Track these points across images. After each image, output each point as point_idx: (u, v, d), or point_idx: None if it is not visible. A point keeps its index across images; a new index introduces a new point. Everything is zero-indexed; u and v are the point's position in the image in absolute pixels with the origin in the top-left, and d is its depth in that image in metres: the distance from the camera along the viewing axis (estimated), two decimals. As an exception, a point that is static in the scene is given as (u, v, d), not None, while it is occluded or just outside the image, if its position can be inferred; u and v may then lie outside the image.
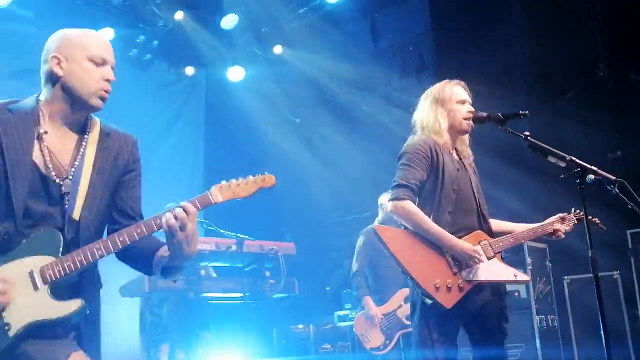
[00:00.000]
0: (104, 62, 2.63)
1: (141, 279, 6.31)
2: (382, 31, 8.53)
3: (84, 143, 2.66)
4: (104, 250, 2.49)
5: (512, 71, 7.60)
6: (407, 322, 6.05)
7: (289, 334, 7.93)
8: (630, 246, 6.58)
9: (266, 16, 8.80)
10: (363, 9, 8.58)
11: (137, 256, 2.67)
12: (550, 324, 6.56)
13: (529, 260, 6.53)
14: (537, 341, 6.32)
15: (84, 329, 2.62)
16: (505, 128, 3.82)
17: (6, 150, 2.49)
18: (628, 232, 6.58)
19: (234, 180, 2.72)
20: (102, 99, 2.63)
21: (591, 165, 3.60)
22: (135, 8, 8.25)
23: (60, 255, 2.50)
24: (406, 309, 6.07)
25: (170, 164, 9.21)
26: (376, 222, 6.34)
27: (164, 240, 2.57)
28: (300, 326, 7.93)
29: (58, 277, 2.46)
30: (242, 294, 6.64)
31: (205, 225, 6.97)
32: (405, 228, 3.76)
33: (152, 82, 9.33)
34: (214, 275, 7.17)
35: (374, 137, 8.37)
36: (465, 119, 3.92)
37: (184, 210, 2.48)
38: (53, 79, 2.61)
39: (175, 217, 2.46)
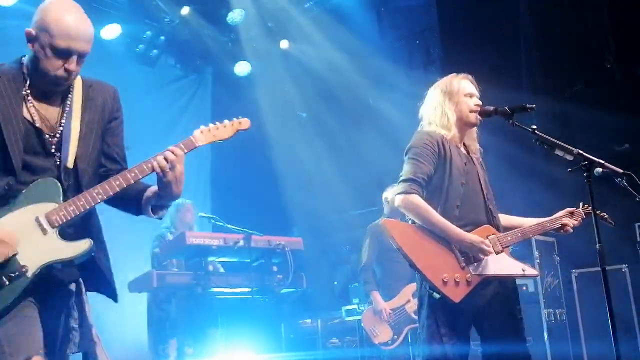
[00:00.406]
0: (68, 54, 2.67)
1: (149, 275, 6.33)
2: (389, 25, 8.51)
3: (68, 100, 2.79)
4: (103, 194, 2.68)
5: (519, 65, 7.56)
6: (416, 317, 6.05)
7: (297, 328, 7.94)
8: (638, 239, 6.56)
9: (272, 11, 8.79)
10: (369, 3, 8.57)
11: (126, 198, 2.84)
12: (559, 318, 6.56)
13: (536, 254, 6.52)
14: (546, 335, 6.32)
15: (86, 277, 2.82)
16: (513, 121, 3.81)
17: None
18: (636, 225, 6.56)
19: (212, 125, 2.98)
20: (58, 84, 2.72)
21: (599, 158, 3.59)
22: (141, 4, 8.26)
23: (61, 201, 2.66)
24: (414, 304, 6.06)
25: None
26: (383, 217, 6.34)
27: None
28: (308, 321, 7.94)
29: (64, 220, 2.63)
30: (249, 289, 6.65)
31: (213, 221, 6.99)
32: (413, 222, 3.75)
33: (159, 77, 9.34)
34: (222, 270, 7.18)
35: (380, 132, 8.36)
36: (472, 111, 3.91)
37: (173, 153, 2.75)
38: (28, 48, 2.71)
39: (166, 159, 2.73)
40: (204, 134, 2.93)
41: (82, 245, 2.66)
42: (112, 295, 2.93)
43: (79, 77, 2.84)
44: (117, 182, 2.69)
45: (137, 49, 8.90)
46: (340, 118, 9.27)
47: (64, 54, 2.66)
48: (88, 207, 2.67)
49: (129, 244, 7.81)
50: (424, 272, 3.57)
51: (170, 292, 6.71)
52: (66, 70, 2.67)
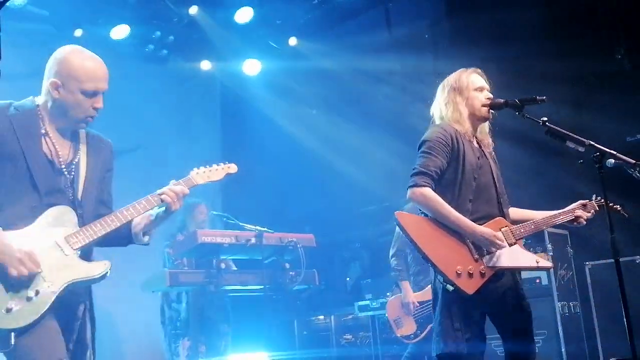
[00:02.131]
0: (95, 93, 3.03)
1: (162, 274, 6.36)
2: (397, 20, 8.48)
3: (74, 142, 3.12)
4: (116, 221, 3.00)
5: (530, 57, 7.52)
6: None
7: (309, 325, 7.95)
8: (653, 230, 6.51)
9: (280, 8, 8.78)
10: (377, -2, 8.55)
11: (121, 230, 3.09)
12: (573, 311, 6.53)
13: (549, 246, 6.50)
14: (560, 328, 6.29)
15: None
16: (523, 114, 3.81)
17: (21, 139, 2.92)
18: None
19: (204, 168, 3.39)
20: (87, 123, 3.10)
21: (610, 149, 3.57)
22: (150, 4, 8.27)
23: (77, 227, 2.95)
24: None
25: (187, 158, 9.23)
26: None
27: None
28: (321, 317, 7.95)
29: (83, 244, 2.91)
30: (262, 287, 6.66)
31: (225, 219, 7.00)
32: (426, 215, 3.75)
33: (168, 77, 9.35)
34: (234, 268, 7.21)
35: (390, 128, 8.35)
36: (484, 105, 3.91)
37: (178, 191, 3.14)
38: (51, 96, 3.01)
39: (173, 194, 3.12)
40: (200, 175, 3.35)
41: (102, 266, 2.95)
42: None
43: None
44: (129, 212, 3.03)
45: (146, 49, 8.92)
46: (350, 114, 9.26)
47: (93, 95, 3.01)
48: (104, 233, 2.96)
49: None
50: (437, 264, 3.57)
51: (182, 290, 6.73)
52: (94, 108, 3.04)
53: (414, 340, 6.17)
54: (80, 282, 2.88)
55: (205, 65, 9.60)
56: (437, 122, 3.99)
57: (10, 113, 2.95)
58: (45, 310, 2.72)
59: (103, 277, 2.94)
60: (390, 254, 6.37)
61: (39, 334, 2.72)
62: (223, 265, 6.78)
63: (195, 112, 9.97)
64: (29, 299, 2.70)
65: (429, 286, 6.07)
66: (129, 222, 3.11)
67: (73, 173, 3.05)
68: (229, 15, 8.68)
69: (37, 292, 2.73)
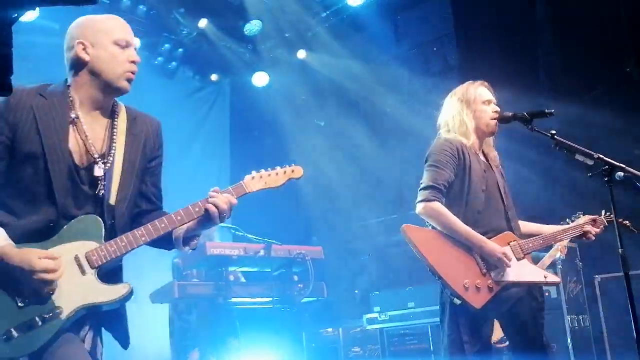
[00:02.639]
0: (127, 45, 2.72)
1: (171, 286, 6.37)
2: (405, 33, 8.51)
3: (115, 130, 2.73)
4: (147, 237, 2.61)
5: (538, 70, 7.53)
6: None
7: (318, 337, 7.93)
8: (662, 243, 6.47)
9: (289, 21, 8.82)
10: (385, 11, 8.56)
11: (160, 237, 2.70)
12: (582, 324, 6.49)
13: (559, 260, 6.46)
14: (569, 341, 6.25)
15: (104, 317, 2.68)
16: (532, 127, 3.81)
17: (43, 136, 2.54)
18: (660, 229, 6.47)
19: (263, 171, 2.92)
20: (129, 80, 2.72)
21: (619, 162, 3.57)
22: (159, 17, 8.34)
23: (102, 240, 2.57)
24: None
25: (197, 170, 9.26)
26: None
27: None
28: (330, 330, 7.92)
29: (104, 261, 2.54)
30: (270, 299, 6.66)
31: (233, 231, 7.01)
32: (433, 228, 3.75)
33: (177, 89, 9.41)
34: (243, 280, 7.21)
35: (398, 140, 8.35)
36: (491, 119, 3.91)
37: (227, 202, 2.74)
38: (80, 64, 2.68)
39: (217, 207, 2.70)
40: (255, 180, 2.90)
41: (122, 290, 2.58)
42: (125, 340, 2.82)
43: (122, 105, 2.84)
44: (162, 225, 2.64)
45: (156, 62, 8.99)
46: (358, 126, 9.27)
47: (126, 45, 2.71)
48: (130, 249, 2.59)
49: (150, 254, 7.86)
50: (444, 278, 3.56)
51: (191, 302, 6.74)
52: (132, 61, 2.71)
53: (503, 345, 5.98)
54: (94, 307, 2.52)
55: (214, 77, 9.64)
56: (444, 133, 3.99)
57: (36, 103, 2.58)
58: (46, 341, 2.41)
59: (122, 300, 2.59)
60: None
61: (58, 353, 2.44)
62: (232, 277, 6.78)
63: (205, 123, 10.02)
64: (31, 326, 2.39)
65: None
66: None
67: (104, 167, 2.63)
68: (238, 28, 8.74)
69: (43, 319, 2.41)
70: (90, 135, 2.65)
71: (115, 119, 2.75)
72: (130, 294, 2.59)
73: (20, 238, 2.48)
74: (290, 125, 9.56)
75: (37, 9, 6.73)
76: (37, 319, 2.41)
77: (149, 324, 7.93)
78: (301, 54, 9.38)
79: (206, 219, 2.73)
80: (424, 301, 6.69)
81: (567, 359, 6.23)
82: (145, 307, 7.13)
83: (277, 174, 2.94)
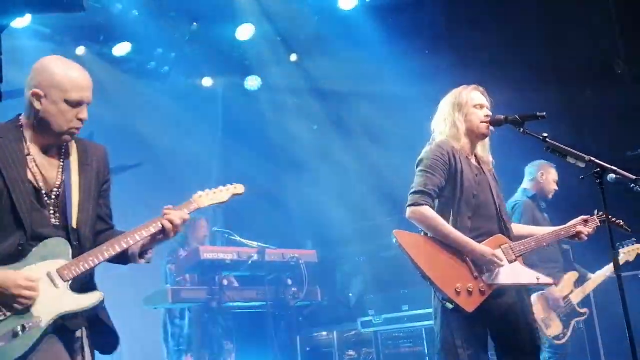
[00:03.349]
0: (79, 104, 2.85)
1: (164, 290, 6.36)
2: (397, 35, 8.51)
3: (62, 161, 2.94)
4: (111, 251, 2.87)
5: (530, 71, 7.55)
6: (581, 310, 5.95)
7: (312, 341, 7.92)
8: (656, 244, 6.48)
9: (281, 25, 8.83)
10: (377, 14, 8.57)
11: (114, 256, 2.93)
12: (575, 326, 6.49)
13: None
14: (563, 342, 6.26)
15: (92, 326, 2.94)
16: (523, 130, 3.81)
17: (3, 170, 2.76)
18: (653, 229, 6.48)
19: (208, 190, 3.27)
20: (72, 135, 2.90)
21: (611, 164, 3.58)
22: (151, 21, 8.32)
23: (70, 258, 2.82)
24: (578, 294, 5.93)
25: (189, 174, 9.25)
26: (524, 185, 6.20)
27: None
28: (324, 333, 7.92)
29: (75, 275, 2.78)
30: (264, 303, 6.66)
31: (227, 235, 7.02)
32: (425, 233, 3.75)
33: (170, 93, 9.40)
34: (236, 284, 7.20)
35: (392, 143, 8.35)
36: (482, 122, 3.92)
37: (181, 217, 3.02)
38: (33, 109, 2.84)
39: (171, 222, 2.98)
40: (203, 197, 3.22)
41: (93, 297, 2.84)
42: (114, 343, 3.04)
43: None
44: (125, 241, 2.90)
45: (148, 66, 8.97)
46: (351, 129, 9.28)
47: (77, 105, 2.84)
48: (97, 263, 2.85)
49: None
50: (436, 282, 3.57)
51: (184, 307, 6.73)
52: (79, 119, 2.86)
53: (563, 340, 5.85)
54: (71, 314, 2.77)
55: (207, 81, 9.64)
56: (437, 137, 4.00)
57: None
58: (29, 347, 2.64)
59: (95, 307, 2.85)
60: None
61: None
62: (225, 282, 6.78)
63: (197, 127, 10.00)
64: (14, 334, 2.63)
65: (563, 280, 5.89)
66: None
67: (64, 197, 2.88)
68: (230, 32, 8.73)
69: (23, 328, 2.64)
70: (44, 167, 2.88)
71: (65, 152, 2.96)
72: (101, 301, 2.85)
73: None
74: (283, 128, 9.56)
75: (29, 15, 6.72)
76: (18, 328, 2.63)
77: (143, 328, 7.93)
78: (293, 57, 9.38)
79: (160, 235, 3.00)
80: (418, 304, 6.69)
81: (561, 361, 6.24)
82: (139, 312, 7.13)
83: (221, 191, 3.30)
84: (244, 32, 8.68)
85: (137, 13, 8.11)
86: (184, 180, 8.75)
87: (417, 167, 3.88)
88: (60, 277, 2.75)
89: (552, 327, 5.87)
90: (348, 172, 9.00)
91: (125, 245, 2.89)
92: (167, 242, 7.10)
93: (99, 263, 2.85)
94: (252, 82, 9.54)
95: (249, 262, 6.46)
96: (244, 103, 9.87)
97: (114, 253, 2.87)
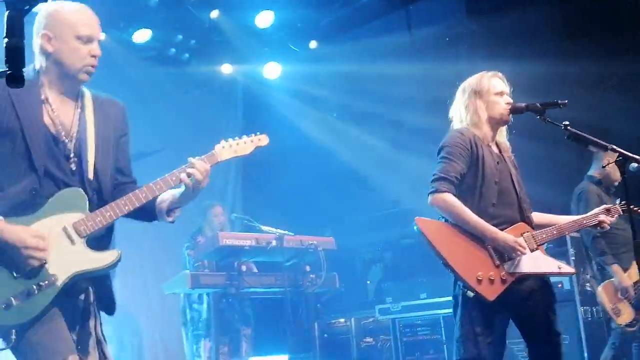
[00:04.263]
0: (90, 40, 2.81)
1: (184, 276, 6.40)
2: (418, 23, 8.47)
3: (79, 110, 2.87)
4: (130, 205, 2.78)
5: (550, 59, 7.47)
6: None
7: (330, 328, 7.95)
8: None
9: (301, 12, 8.80)
10: (398, 1, 8.53)
11: (143, 208, 2.86)
12: (595, 315, 6.46)
13: (572, 251, 6.44)
14: (582, 333, 6.24)
15: (95, 289, 2.85)
16: (544, 118, 3.78)
17: (19, 112, 2.69)
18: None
19: (232, 140, 3.10)
20: (89, 73, 2.84)
21: (633, 153, 3.55)
22: (172, 8, 8.33)
23: (87, 211, 2.73)
24: None
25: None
26: (590, 172, 6.13)
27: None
28: (342, 320, 7.94)
29: (92, 230, 2.70)
30: (282, 289, 6.68)
31: (246, 222, 7.04)
32: (446, 220, 3.74)
33: (190, 80, 9.42)
34: (255, 270, 7.24)
35: (411, 131, 8.33)
36: (504, 110, 3.89)
37: (199, 167, 2.87)
38: (45, 53, 2.81)
39: (191, 173, 2.85)
40: (226, 149, 3.06)
41: (111, 256, 2.74)
42: (112, 307, 2.94)
43: (86, 90, 2.96)
44: (143, 194, 2.81)
45: (168, 53, 8.99)
46: (370, 117, 9.25)
47: (88, 41, 2.80)
48: (115, 218, 2.76)
49: (162, 245, 7.92)
50: (457, 270, 3.56)
51: (203, 292, 6.77)
52: (93, 55, 2.81)
53: (635, 328, 5.74)
54: (87, 273, 2.69)
55: (227, 68, 9.65)
56: (456, 125, 3.98)
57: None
58: (46, 305, 2.56)
59: (112, 266, 2.74)
60: (592, 233, 5.78)
61: (42, 329, 2.57)
62: (244, 268, 6.81)
63: (217, 115, 10.03)
64: (29, 293, 2.54)
65: (632, 267, 5.64)
66: (153, 199, 2.88)
67: (79, 145, 2.80)
68: (250, 19, 8.72)
69: (39, 286, 2.56)
70: (60, 115, 2.81)
71: (82, 102, 2.90)
72: (118, 260, 2.74)
73: (8, 211, 2.60)
74: (303, 116, 9.56)
75: (51, 1, 6.75)
76: (34, 287, 2.56)
77: (162, 313, 8.00)
78: (313, 44, 9.36)
79: (186, 189, 2.88)
80: (437, 292, 6.69)
81: (580, 351, 6.22)
82: (158, 297, 7.19)
83: (245, 142, 3.11)
84: (264, 19, 8.66)
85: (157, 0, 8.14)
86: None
87: (438, 154, 3.85)
88: (77, 233, 2.68)
89: (623, 315, 5.75)
90: (367, 159, 8.98)
91: (144, 199, 2.80)
92: (187, 228, 7.14)
93: (116, 218, 2.77)
94: (272, 69, 9.53)
95: (268, 248, 6.48)
96: (263, 90, 9.88)
97: (132, 208, 2.78)
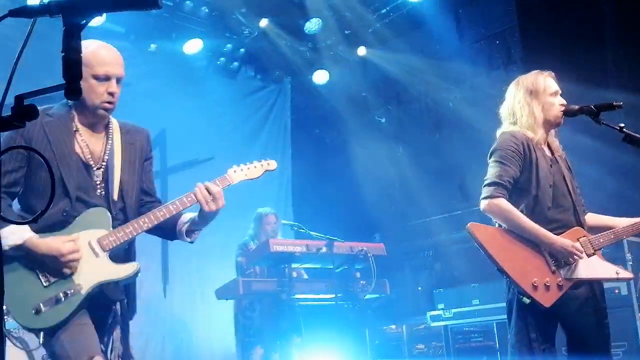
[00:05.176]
0: (107, 78, 3.02)
1: (236, 282, 6.46)
2: (467, 26, 8.40)
3: (109, 139, 3.16)
4: (149, 223, 3.06)
5: (605, 62, 7.31)
6: None
7: (381, 335, 7.92)
8: None
9: (349, 18, 8.82)
10: (447, 5, 8.47)
11: (164, 226, 3.16)
12: None
13: (629, 256, 6.27)
14: (641, 340, 6.07)
15: (125, 300, 3.15)
16: (599, 120, 3.70)
17: (53, 144, 2.99)
18: None
19: (243, 165, 3.37)
20: (106, 109, 3.08)
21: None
22: (221, 18, 8.46)
23: (111, 228, 3.03)
24: None
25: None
26: None
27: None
28: (393, 327, 7.90)
29: (114, 245, 2.99)
30: (333, 295, 6.68)
31: (296, 228, 7.07)
32: (500, 226, 3.69)
33: (239, 89, 9.54)
34: (305, 277, 7.26)
35: (461, 134, 8.25)
36: (560, 112, 3.81)
37: (209, 189, 3.12)
38: None
39: (203, 193, 3.11)
40: (237, 173, 3.32)
41: (130, 268, 3.04)
42: (132, 311, 3.22)
43: (115, 120, 3.22)
44: (161, 213, 3.08)
45: (219, 62, 9.13)
46: (419, 122, 9.21)
47: (104, 79, 3.01)
48: (135, 234, 3.05)
49: (215, 253, 8.02)
50: (513, 276, 3.50)
51: (254, 299, 6.82)
52: (109, 93, 3.03)
53: None
54: (109, 283, 2.99)
55: (275, 76, 9.72)
56: (507, 124, 3.89)
57: (45, 120, 3.01)
58: (71, 311, 2.85)
59: (133, 277, 3.04)
60: None
61: (70, 330, 2.85)
62: (295, 274, 6.83)
63: (266, 122, 10.13)
64: (57, 300, 2.85)
65: None
66: (174, 218, 3.16)
67: (106, 171, 3.10)
68: (299, 27, 8.79)
69: (65, 295, 2.86)
70: (90, 144, 3.09)
71: (110, 132, 3.17)
72: (138, 271, 3.04)
73: (42, 230, 2.91)
74: (351, 122, 9.57)
75: (104, 14, 6.91)
76: (61, 294, 2.87)
77: (215, 320, 8.09)
78: (361, 50, 9.37)
79: (201, 211, 3.14)
80: (489, 298, 6.60)
81: (638, 358, 6.05)
82: (211, 304, 7.27)
83: (255, 167, 3.40)
84: (313, 26, 8.71)
85: (207, 10, 8.26)
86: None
87: (490, 157, 3.79)
88: (101, 247, 2.97)
89: None
90: (417, 165, 8.93)
91: (161, 218, 3.06)
92: (239, 236, 7.22)
93: (137, 234, 3.05)
94: (320, 77, 9.57)
95: (318, 254, 6.48)
96: (312, 97, 9.92)
97: (150, 225, 3.05)
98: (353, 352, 7.04)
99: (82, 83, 2.77)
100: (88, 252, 2.95)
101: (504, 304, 3.75)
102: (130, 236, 3.04)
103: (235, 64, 9.25)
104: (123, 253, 3.12)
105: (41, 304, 2.84)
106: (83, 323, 2.91)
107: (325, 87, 9.69)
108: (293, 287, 6.50)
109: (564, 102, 3.85)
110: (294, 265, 6.76)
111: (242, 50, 9.11)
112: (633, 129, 3.64)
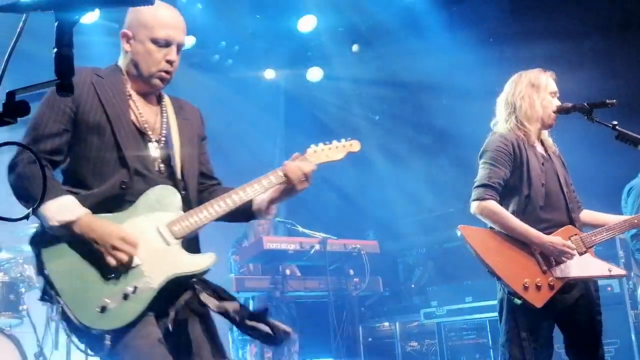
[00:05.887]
0: (167, 44, 2.66)
1: (228, 280, 6.46)
2: (460, 24, 8.39)
3: (164, 112, 2.78)
4: (225, 206, 2.64)
5: (598, 59, 7.33)
6: None
7: (374, 332, 7.92)
8: None
9: (343, 16, 8.81)
10: (440, 3, 8.47)
11: (237, 210, 2.73)
12: None
13: (621, 253, 6.29)
14: (633, 336, 6.09)
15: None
16: (592, 118, 3.71)
17: (106, 106, 2.57)
18: None
19: (322, 144, 2.95)
20: (162, 79, 2.70)
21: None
22: (214, 15, 8.43)
23: (181, 211, 2.60)
24: None
25: (252, 165, 9.35)
26: None
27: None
28: (386, 324, 7.91)
29: (187, 232, 2.55)
30: (326, 293, 6.69)
31: (289, 226, 7.07)
32: (491, 228, 3.68)
33: (233, 86, 9.51)
34: (299, 274, 7.26)
35: (453, 134, 8.26)
36: (553, 112, 3.81)
37: (301, 169, 2.78)
38: (125, 51, 2.72)
39: (297, 172, 2.77)
40: (317, 154, 2.92)
41: (208, 259, 2.59)
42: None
43: (165, 94, 2.87)
44: (238, 196, 2.68)
45: (212, 59, 9.12)
46: (413, 120, 9.20)
47: (164, 45, 2.65)
48: (210, 220, 2.62)
49: (208, 250, 8.00)
50: (503, 278, 3.50)
51: (248, 296, 6.82)
52: (168, 61, 2.67)
53: None
54: (183, 277, 2.51)
55: (269, 74, 9.71)
56: (504, 115, 3.87)
57: (95, 79, 2.60)
58: (143, 310, 2.37)
59: (207, 270, 2.59)
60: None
61: (140, 333, 2.37)
62: (288, 272, 6.83)
63: (260, 120, 10.10)
64: (126, 296, 2.35)
65: None
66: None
67: (166, 145, 2.68)
68: (292, 24, 8.77)
69: (135, 289, 2.38)
70: (144, 114, 2.70)
71: (163, 105, 2.80)
72: (214, 262, 2.60)
73: (96, 208, 2.46)
74: (345, 119, 9.56)
75: (97, 10, 6.87)
76: (129, 289, 2.38)
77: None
78: (355, 48, 9.36)
79: (287, 187, 2.79)
80: (482, 296, 6.61)
81: (631, 356, 6.08)
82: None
83: (337, 147, 2.98)
84: (307, 23, 8.70)
85: (201, 7, 8.24)
86: (248, 172, 8.83)
87: (480, 159, 3.78)
88: (172, 234, 2.53)
89: None
90: (410, 163, 8.94)
91: (239, 202, 2.67)
92: (232, 234, 7.19)
93: (212, 220, 2.62)
94: (314, 74, 9.56)
95: (312, 252, 6.49)
96: (306, 95, 9.91)
97: (227, 209, 2.64)
98: (346, 349, 7.05)
99: (137, 45, 2.71)
100: (157, 239, 2.50)
101: (496, 303, 3.75)
102: (205, 222, 2.59)
103: (229, 61, 9.24)
104: (191, 240, 2.65)
105: (106, 299, 2.34)
106: (150, 323, 2.43)
107: (318, 84, 9.68)
108: (286, 285, 6.52)
109: (559, 103, 3.85)
110: (287, 263, 6.77)
111: (236, 47, 9.10)
112: (625, 124, 3.64)
